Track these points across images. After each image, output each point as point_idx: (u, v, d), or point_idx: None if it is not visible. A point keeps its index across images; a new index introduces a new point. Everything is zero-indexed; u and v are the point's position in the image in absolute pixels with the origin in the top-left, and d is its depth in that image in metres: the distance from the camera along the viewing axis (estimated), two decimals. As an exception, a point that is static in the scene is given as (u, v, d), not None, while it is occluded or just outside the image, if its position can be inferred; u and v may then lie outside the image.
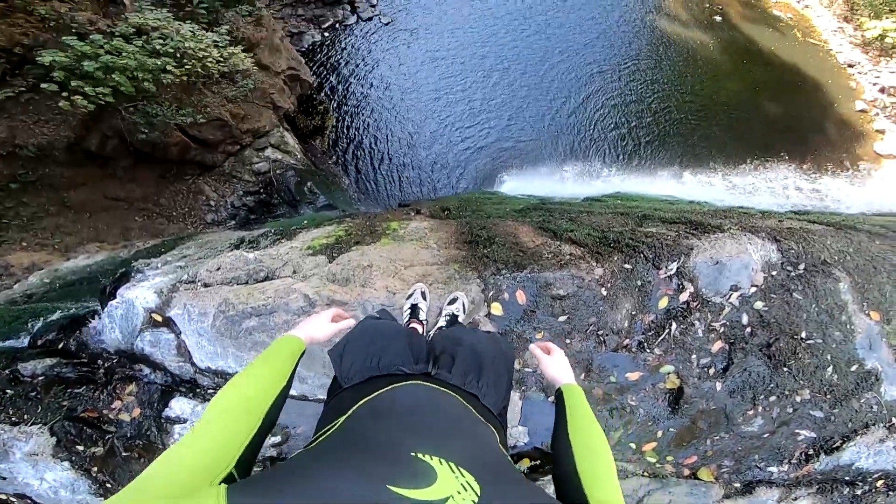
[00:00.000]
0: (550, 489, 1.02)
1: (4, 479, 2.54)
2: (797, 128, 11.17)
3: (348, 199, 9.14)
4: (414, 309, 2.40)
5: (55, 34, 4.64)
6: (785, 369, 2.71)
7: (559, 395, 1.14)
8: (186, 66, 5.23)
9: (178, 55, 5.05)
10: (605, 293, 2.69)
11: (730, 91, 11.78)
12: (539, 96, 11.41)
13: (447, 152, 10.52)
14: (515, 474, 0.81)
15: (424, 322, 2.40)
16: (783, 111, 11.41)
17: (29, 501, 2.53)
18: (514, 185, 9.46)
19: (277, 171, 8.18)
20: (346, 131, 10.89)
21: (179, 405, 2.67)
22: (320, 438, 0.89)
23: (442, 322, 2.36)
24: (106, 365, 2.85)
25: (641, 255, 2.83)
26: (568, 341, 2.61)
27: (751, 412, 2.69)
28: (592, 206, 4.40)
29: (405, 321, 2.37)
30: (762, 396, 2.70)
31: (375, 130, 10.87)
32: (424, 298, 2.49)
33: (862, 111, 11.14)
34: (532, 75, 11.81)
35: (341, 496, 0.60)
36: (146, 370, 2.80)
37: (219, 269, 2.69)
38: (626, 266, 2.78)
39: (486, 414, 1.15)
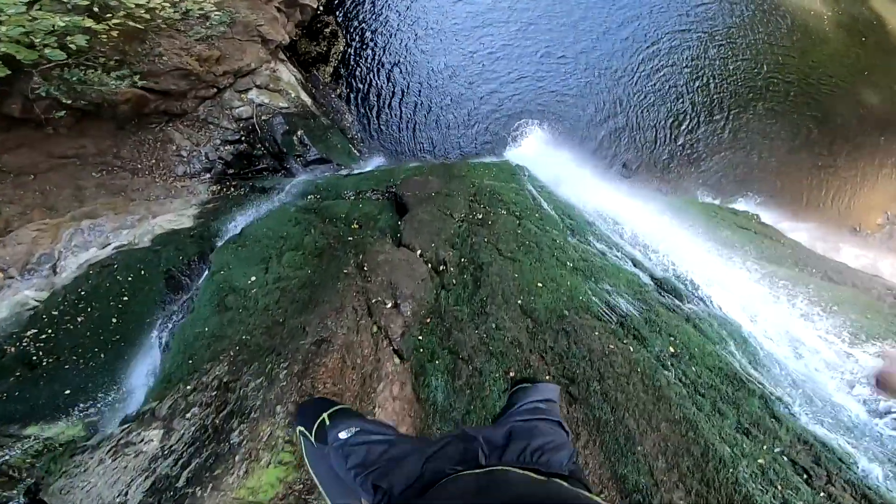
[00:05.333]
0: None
1: None
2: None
3: (347, 148, 8.14)
4: None
5: None
6: None
7: None
8: (112, 21, 4.20)
9: (98, 8, 4.01)
10: None
11: (831, 73, 9.68)
12: (591, 51, 9.67)
13: (470, 95, 9.20)
14: None
15: None
16: (883, 102, 9.41)
17: None
18: (537, 149, 8.17)
19: (262, 118, 7.23)
20: (355, 60, 9.62)
21: None
22: None
23: None
24: None
25: None
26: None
27: None
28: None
29: None
30: None
31: (390, 61, 9.56)
32: None
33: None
34: (587, 24, 9.93)
35: None
36: None
37: None
38: None
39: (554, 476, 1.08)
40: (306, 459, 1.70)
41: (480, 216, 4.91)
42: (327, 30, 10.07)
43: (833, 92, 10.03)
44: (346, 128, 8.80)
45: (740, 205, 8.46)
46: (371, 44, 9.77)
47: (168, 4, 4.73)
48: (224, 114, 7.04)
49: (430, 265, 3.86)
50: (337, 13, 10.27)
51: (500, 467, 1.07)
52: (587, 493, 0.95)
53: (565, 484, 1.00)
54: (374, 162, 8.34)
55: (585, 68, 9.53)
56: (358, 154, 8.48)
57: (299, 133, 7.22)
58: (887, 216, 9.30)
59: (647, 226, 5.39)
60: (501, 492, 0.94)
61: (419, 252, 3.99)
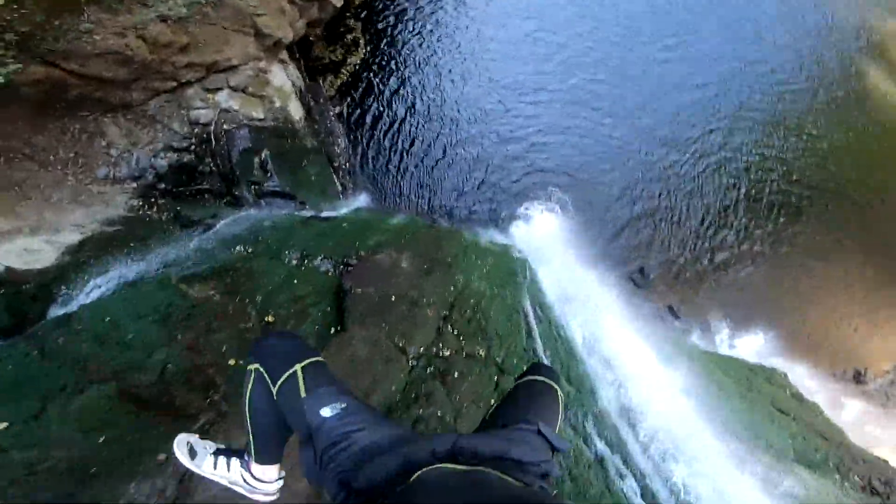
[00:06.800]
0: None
1: None
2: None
3: (325, 182, 6.69)
4: None
5: None
6: None
7: None
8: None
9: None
10: None
11: None
12: (638, 114, 8.33)
13: (485, 142, 7.83)
14: None
15: None
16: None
17: None
18: (547, 232, 6.76)
19: (224, 127, 5.82)
20: (368, 78, 8.30)
21: None
22: None
23: None
24: None
25: None
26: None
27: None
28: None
29: None
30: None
31: (405, 85, 8.22)
32: None
33: None
34: (641, 82, 8.63)
35: None
36: None
37: None
38: None
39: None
40: (246, 397, 1.40)
41: (447, 354, 3.43)
42: (349, 36, 8.77)
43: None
44: (334, 154, 7.39)
45: (753, 338, 7.02)
46: (391, 62, 8.47)
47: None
48: (179, 113, 5.65)
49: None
50: (365, 20, 8.98)
51: (481, 468, 0.99)
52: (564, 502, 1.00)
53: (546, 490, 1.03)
54: (356, 202, 6.94)
55: (625, 133, 8.15)
56: (340, 188, 7.06)
57: (263, 154, 5.80)
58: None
59: (668, 420, 3.88)
60: (483, 490, 0.89)
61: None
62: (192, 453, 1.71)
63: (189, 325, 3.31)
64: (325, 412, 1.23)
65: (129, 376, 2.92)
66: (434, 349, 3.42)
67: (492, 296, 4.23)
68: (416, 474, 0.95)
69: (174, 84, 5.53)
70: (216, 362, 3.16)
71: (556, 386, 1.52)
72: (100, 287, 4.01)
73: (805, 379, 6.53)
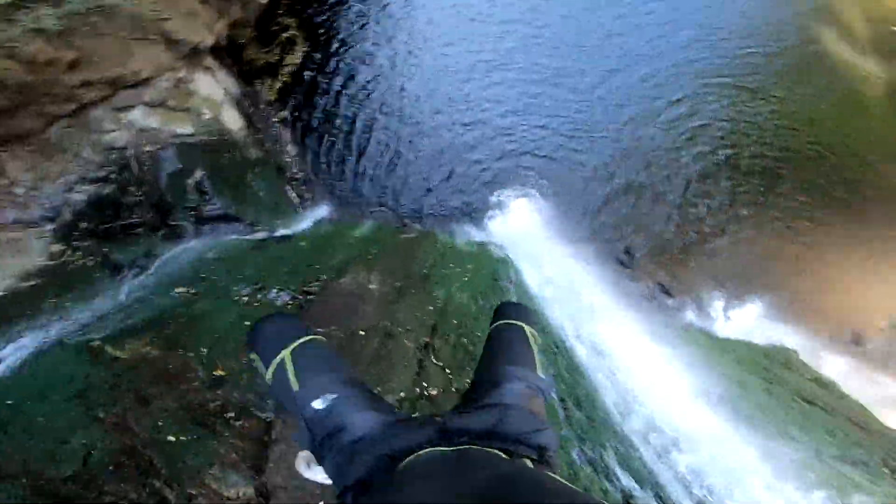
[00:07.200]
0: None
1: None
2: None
3: (276, 198, 6.03)
4: None
5: None
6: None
7: None
8: None
9: None
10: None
11: (870, 149, 8.18)
12: (603, 87, 7.90)
13: (450, 133, 7.27)
14: None
15: None
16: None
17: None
18: (525, 222, 6.28)
19: (145, 149, 5.05)
20: (314, 76, 7.57)
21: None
22: None
23: None
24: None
25: None
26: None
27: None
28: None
29: None
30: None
31: (354, 80, 7.56)
32: None
33: None
34: (603, 54, 8.23)
35: None
36: None
37: None
38: None
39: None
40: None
41: (433, 393, 2.89)
42: (285, 34, 7.98)
43: (868, 171, 8.45)
44: (284, 163, 6.70)
45: (749, 307, 6.72)
46: (334, 58, 7.76)
47: None
48: (88, 140, 4.85)
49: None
50: (300, 15, 8.20)
51: (467, 446, 0.98)
52: (551, 475, 0.87)
53: (530, 463, 0.97)
54: (316, 214, 6.28)
55: (591, 109, 7.73)
56: (298, 200, 6.40)
57: (197, 174, 5.08)
58: (891, 318, 7.74)
59: (689, 428, 3.44)
60: (468, 473, 0.85)
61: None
62: (309, 465, 1.58)
63: (115, 398, 2.68)
64: (317, 404, 1.18)
65: (43, 470, 2.32)
66: (417, 389, 2.88)
67: (477, 310, 3.71)
68: (404, 462, 0.94)
69: (74, 106, 4.73)
70: (152, 439, 2.55)
71: (520, 323, 1.48)
72: (11, 358, 3.30)
73: (806, 345, 6.27)
